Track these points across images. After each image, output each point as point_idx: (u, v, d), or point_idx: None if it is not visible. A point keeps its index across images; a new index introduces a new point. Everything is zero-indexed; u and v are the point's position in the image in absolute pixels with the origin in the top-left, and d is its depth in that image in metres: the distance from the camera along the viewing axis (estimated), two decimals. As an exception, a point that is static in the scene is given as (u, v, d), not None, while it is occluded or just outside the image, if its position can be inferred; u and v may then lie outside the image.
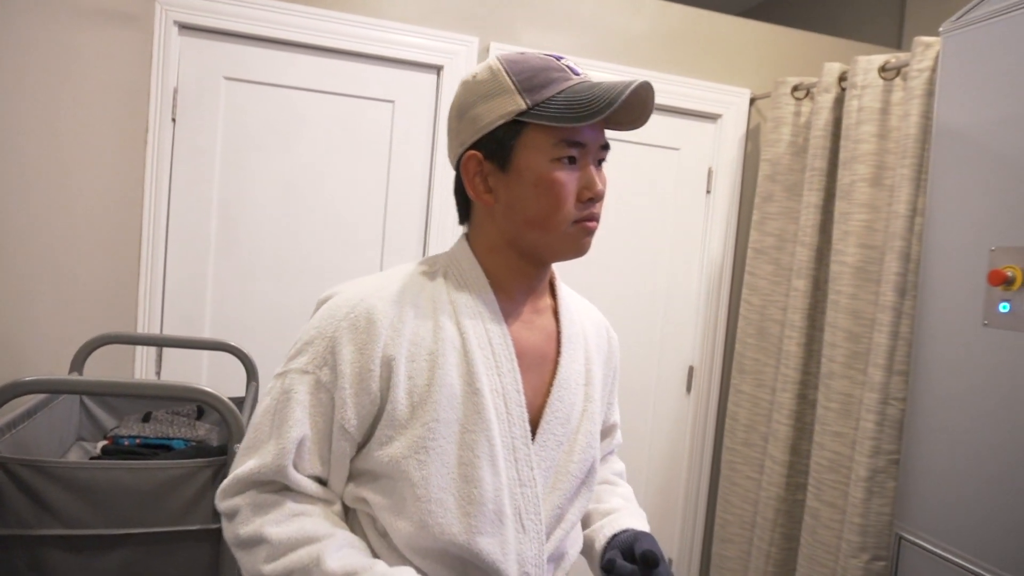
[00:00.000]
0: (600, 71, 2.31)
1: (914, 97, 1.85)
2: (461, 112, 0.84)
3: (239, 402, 1.48)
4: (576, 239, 0.83)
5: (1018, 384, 1.49)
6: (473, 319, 0.83)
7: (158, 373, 2.03)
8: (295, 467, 0.78)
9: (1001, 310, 1.52)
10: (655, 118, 2.43)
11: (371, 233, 2.19)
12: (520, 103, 0.79)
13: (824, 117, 2.15)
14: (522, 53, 0.84)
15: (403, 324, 0.80)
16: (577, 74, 0.82)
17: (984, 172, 1.59)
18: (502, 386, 0.82)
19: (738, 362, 2.42)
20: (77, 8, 1.35)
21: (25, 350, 1.20)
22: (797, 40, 2.56)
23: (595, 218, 0.84)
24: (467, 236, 0.90)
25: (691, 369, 2.57)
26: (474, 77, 0.84)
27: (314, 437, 0.79)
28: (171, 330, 2.01)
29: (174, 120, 1.98)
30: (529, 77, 0.80)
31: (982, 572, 1.53)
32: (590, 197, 0.82)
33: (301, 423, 0.78)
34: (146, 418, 1.36)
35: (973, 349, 1.59)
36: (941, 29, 1.73)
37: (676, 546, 2.60)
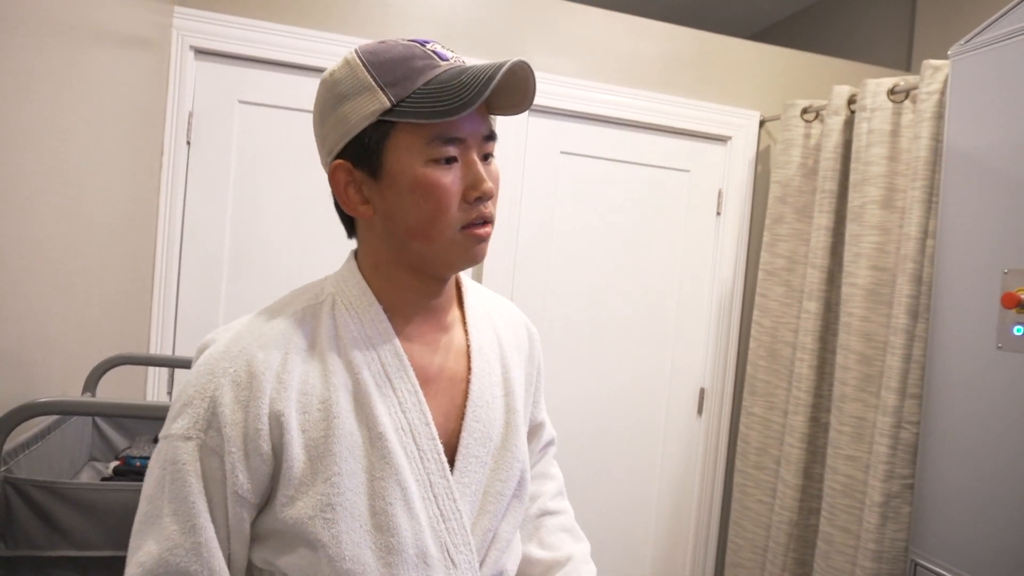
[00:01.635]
0: (609, 95, 2.33)
1: (924, 119, 1.86)
2: (323, 116, 0.76)
3: (249, 423, 1.49)
4: (466, 247, 0.75)
5: (1034, 408, 1.47)
6: (366, 352, 0.75)
7: (170, 394, 2.04)
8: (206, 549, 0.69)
9: (1015, 333, 1.51)
10: (666, 140, 2.44)
11: (382, 254, 2.20)
12: (383, 101, 0.70)
13: (834, 139, 2.16)
14: (382, 42, 0.74)
15: (288, 373, 0.72)
16: (445, 59, 0.73)
17: (995, 194, 1.59)
18: (408, 423, 0.75)
19: (750, 384, 2.40)
20: (94, 32, 1.38)
21: (38, 370, 1.21)
22: (806, 63, 2.57)
23: (487, 220, 0.75)
24: (355, 253, 0.83)
25: (702, 391, 2.55)
26: (331, 75, 0.75)
27: (213, 507, 0.70)
28: (183, 351, 2.02)
29: (189, 143, 2.01)
30: (390, 69, 0.71)
31: (1000, 601, 1.50)
32: (477, 196, 0.73)
33: (199, 495, 0.69)
34: (157, 440, 1.37)
35: (987, 372, 1.57)
36: (950, 52, 1.74)
37: (688, 571, 2.57)
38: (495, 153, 0.78)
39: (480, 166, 0.74)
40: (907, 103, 1.99)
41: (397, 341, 0.77)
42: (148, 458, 1.25)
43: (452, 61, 0.74)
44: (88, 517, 1.00)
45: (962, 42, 1.71)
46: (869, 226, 1.99)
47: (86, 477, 1.33)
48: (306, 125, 2.11)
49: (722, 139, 2.51)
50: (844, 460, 2.00)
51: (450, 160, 0.72)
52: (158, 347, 1.98)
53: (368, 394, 0.74)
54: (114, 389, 1.63)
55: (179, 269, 2.02)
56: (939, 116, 1.83)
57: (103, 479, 1.25)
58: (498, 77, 0.68)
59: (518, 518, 0.85)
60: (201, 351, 0.77)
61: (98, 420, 1.44)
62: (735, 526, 2.41)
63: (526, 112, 2.26)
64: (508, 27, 2.26)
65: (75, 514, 0.99)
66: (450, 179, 0.72)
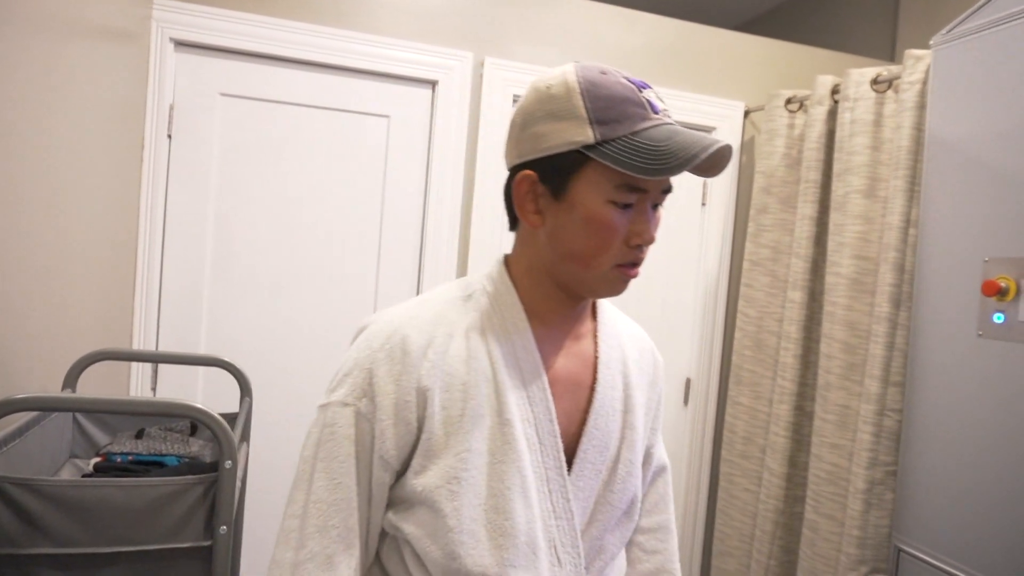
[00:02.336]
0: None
1: (906, 109, 1.86)
2: (525, 123, 0.79)
3: (232, 418, 1.48)
4: (613, 282, 0.80)
5: (1013, 394, 1.48)
6: (504, 345, 0.81)
7: (154, 389, 2.03)
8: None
9: (995, 320, 1.52)
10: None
11: (367, 248, 2.20)
12: (588, 135, 0.74)
13: (818, 129, 2.17)
14: (604, 73, 0.77)
15: (437, 354, 0.79)
16: (656, 112, 0.76)
17: (977, 183, 1.60)
18: (533, 415, 0.80)
19: (735, 374, 2.42)
20: (71, 24, 1.36)
21: (17, 366, 1.19)
22: (790, 53, 2.58)
23: (638, 263, 0.80)
24: (507, 256, 0.89)
25: (688, 381, 2.56)
26: (548, 88, 0.78)
27: (359, 468, 0.78)
28: (167, 346, 2.01)
29: (170, 136, 1.99)
30: (605, 107, 0.74)
31: (981, 585, 1.52)
32: (639, 243, 0.78)
33: (349, 456, 0.78)
34: (139, 434, 1.36)
35: (968, 360, 1.59)
36: (932, 42, 1.75)
37: (675, 560, 2.59)
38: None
39: (650, 215, 0.79)
40: (890, 93, 2.00)
41: (532, 340, 0.83)
42: (129, 454, 1.24)
43: (661, 115, 0.77)
44: (69, 514, 0.99)
45: (944, 32, 1.71)
46: (852, 216, 2.00)
47: (67, 474, 1.32)
48: (289, 117, 2.10)
49: (707, 129, 2.51)
50: (828, 448, 2.01)
51: (627, 205, 0.77)
52: (141, 342, 1.97)
53: (502, 383, 0.80)
54: (95, 385, 1.62)
55: (161, 263, 2.01)
56: (921, 106, 1.84)
57: (84, 476, 1.24)
58: (702, 157, 0.71)
59: (625, 536, 0.89)
60: (360, 331, 0.84)
61: (79, 416, 1.42)
62: (722, 515, 2.43)
63: (511, 104, 2.25)
64: (493, 19, 2.25)
65: (55, 511, 0.98)
66: (622, 221, 0.77)
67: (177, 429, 1.42)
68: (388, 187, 2.20)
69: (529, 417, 0.80)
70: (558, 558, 0.79)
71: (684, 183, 2.50)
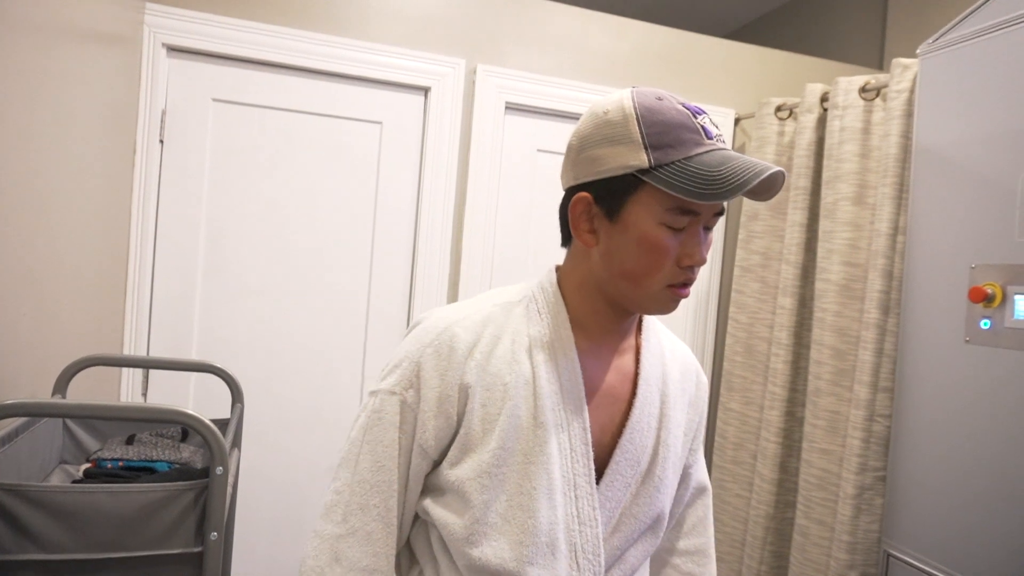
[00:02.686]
0: (586, 92, 2.34)
1: (894, 117, 1.88)
2: (582, 146, 0.82)
3: (224, 424, 1.47)
4: (665, 301, 0.82)
5: (1000, 400, 1.50)
6: (547, 354, 0.84)
7: (144, 394, 2.02)
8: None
9: (982, 327, 1.54)
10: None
11: (359, 254, 2.20)
12: (643, 160, 0.76)
13: (807, 137, 2.18)
14: (660, 99, 0.79)
15: (482, 354, 0.83)
16: (710, 137, 0.78)
17: (963, 191, 1.62)
18: (567, 422, 0.83)
19: (726, 380, 2.43)
20: (63, 28, 1.36)
21: (6, 371, 1.19)
22: (780, 61, 2.60)
23: (689, 283, 0.82)
24: (558, 268, 0.91)
25: (680, 387, 2.57)
26: (605, 113, 0.80)
27: (400, 454, 0.84)
28: (158, 351, 2.00)
29: (162, 141, 1.99)
30: (660, 132, 0.76)
31: (969, 589, 1.53)
32: (690, 264, 0.80)
33: (393, 442, 0.83)
34: (130, 440, 1.35)
35: (955, 366, 1.60)
36: (919, 51, 1.77)
37: (667, 565, 2.59)
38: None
39: (701, 237, 0.81)
40: (878, 101, 2.02)
41: (575, 350, 0.86)
42: (120, 460, 1.24)
43: (715, 140, 0.79)
44: (58, 520, 0.99)
45: (930, 41, 1.73)
46: (842, 222, 2.02)
47: (56, 480, 1.31)
48: (282, 123, 2.10)
49: (698, 137, 2.52)
50: (819, 454, 2.02)
51: (680, 228, 0.79)
52: (131, 348, 1.96)
53: (541, 388, 0.83)
54: (86, 390, 1.61)
55: (153, 269, 2.00)
56: (909, 114, 1.86)
57: (74, 481, 1.23)
58: (755, 183, 0.73)
59: (648, 550, 0.91)
60: (415, 326, 0.88)
61: (69, 422, 1.42)
62: (714, 520, 2.43)
63: (503, 111, 2.26)
64: (484, 25, 2.26)
65: (45, 517, 0.98)
66: (674, 243, 0.79)
67: (168, 435, 1.42)
68: (380, 194, 2.20)
69: (563, 424, 0.83)
70: (577, 563, 0.82)
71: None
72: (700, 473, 1.04)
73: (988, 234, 1.55)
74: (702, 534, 1.04)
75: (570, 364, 0.85)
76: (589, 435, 0.84)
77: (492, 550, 0.79)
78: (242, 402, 1.57)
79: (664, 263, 0.79)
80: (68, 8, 1.39)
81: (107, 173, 1.76)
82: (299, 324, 2.15)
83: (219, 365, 1.62)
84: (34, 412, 1.05)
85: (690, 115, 0.78)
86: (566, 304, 0.88)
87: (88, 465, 1.25)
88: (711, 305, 2.56)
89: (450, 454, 0.83)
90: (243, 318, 2.09)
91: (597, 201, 0.81)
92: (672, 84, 2.47)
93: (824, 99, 2.18)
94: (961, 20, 1.65)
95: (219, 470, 1.05)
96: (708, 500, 1.06)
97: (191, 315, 2.04)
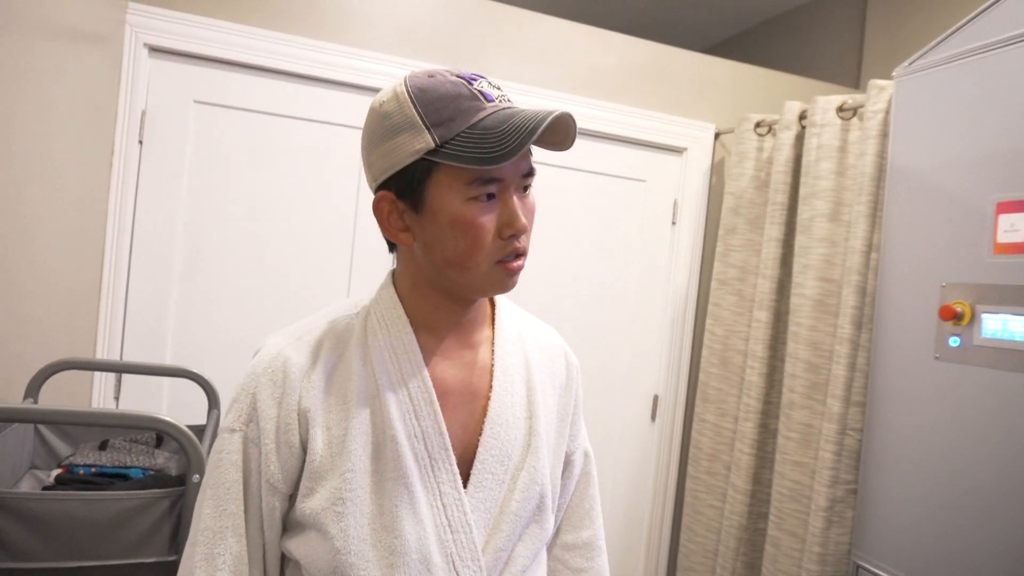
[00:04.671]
0: (568, 104, 2.36)
1: (870, 137, 1.92)
2: (371, 144, 0.79)
3: (200, 430, 1.46)
4: (499, 279, 0.79)
5: (967, 416, 1.53)
6: (390, 363, 0.80)
7: (117, 399, 1.99)
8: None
9: (951, 344, 1.58)
10: (623, 150, 2.48)
11: (339, 259, 2.19)
12: (428, 140, 0.73)
13: (785, 153, 2.22)
14: (431, 76, 0.76)
15: (317, 374, 0.79)
16: (491, 100, 0.75)
17: (934, 211, 1.66)
18: (421, 429, 0.79)
19: (702, 391, 2.45)
20: (42, 25, 1.34)
21: (-22, 376, 1.17)
22: (760, 77, 2.64)
23: (520, 254, 0.79)
24: (393, 273, 0.88)
25: (656, 398, 2.59)
26: (381, 105, 0.77)
27: (248, 495, 0.78)
28: (132, 356, 1.97)
29: (141, 142, 1.97)
30: (437, 109, 0.74)
31: (936, 601, 1.56)
32: (511, 234, 0.77)
33: (235, 483, 0.77)
34: (103, 446, 1.33)
35: (925, 382, 1.63)
36: (894, 73, 1.81)
37: (641, 574, 2.60)
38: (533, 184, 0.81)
39: (516, 203, 0.77)
40: (854, 120, 2.06)
41: (419, 352, 0.82)
42: (92, 466, 1.22)
43: (497, 101, 0.76)
44: (29, 527, 0.97)
45: (906, 64, 1.78)
46: (817, 238, 2.06)
47: (27, 486, 1.29)
48: (263, 126, 2.09)
49: (678, 150, 2.56)
50: (792, 466, 2.05)
51: (490, 196, 0.76)
52: (105, 352, 1.93)
53: (386, 399, 0.79)
54: (58, 395, 1.59)
55: (128, 271, 1.97)
56: (884, 134, 1.90)
57: (45, 488, 1.21)
58: (539, 131, 0.70)
59: (537, 543, 0.86)
60: (255, 354, 0.84)
61: (40, 427, 1.39)
62: (687, 531, 2.46)
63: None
64: (469, 35, 2.27)
65: (15, 524, 0.96)
66: (487, 216, 0.76)
67: (142, 441, 1.40)
68: (361, 199, 2.20)
69: (417, 432, 0.79)
70: (456, 572, 0.77)
71: (655, 202, 2.54)
72: (582, 460, 1.01)
73: (958, 254, 1.59)
74: (589, 526, 1.01)
75: (416, 369, 0.80)
76: (447, 439, 0.80)
77: None
78: (219, 408, 1.55)
79: (483, 240, 0.76)
80: (48, 6, 1.37)
81: (84, 173, 1.73)
82: (277, 328, 2.13)
83: (195, 370, 1.61)
84: (5, 417, 1.04)
85: (465, 83, 0.75)
86: (405, 308, 0.83)
87: (60, 471, 1.23)
88: (688, 317, 2.59)
89: (302, 486, 0.78)
90: (220, 322, 2.07)
91: (400, 196, 0.78)
92: (654, 97, 2.50)
93: (802, 117, 2.22)
94: (936, 45, 1.70)
95: (196, 478, 1.04)
96: (593, 490, 1.03)
97: (167, 318, 2.02)
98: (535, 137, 0.70)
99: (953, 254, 1.60)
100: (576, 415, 0.99)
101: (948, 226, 1.62)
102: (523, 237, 0.78)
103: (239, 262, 2.08)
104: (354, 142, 2.18)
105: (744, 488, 2.23)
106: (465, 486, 0.81)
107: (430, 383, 0.81)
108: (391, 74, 2.17)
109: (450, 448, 0.80)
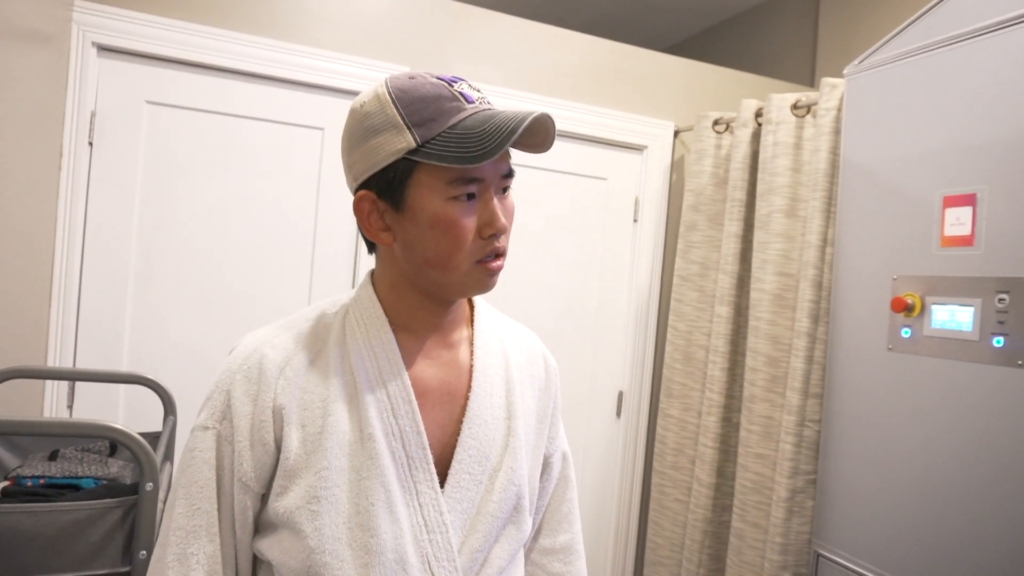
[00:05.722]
0: (530, 103, 2.36)
1: (823, 134, 1.96)
2: (351, 145, 0.80)
3: (155, 437, 1.43)
4: (478, 279, 0.80)
5: (919, 404, 1.57)
6: (368, 361, 0.80)
7: (70, 408, 1.93)
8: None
9: (903, 335, 1.62)
10: (584, 148, 2.49)
11: (299, 263, 2.16)
12: (410, 140, 0.74)
13: (743, 150, 2.25)
14: (412, 78, 0.78)
15: (293, 371, 0.79)
16: (471, 101, 0.77)
17: (885, 205, 1.70)
18: (399, 428, 0.79)
19: (666, 387, 2.48)
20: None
21: (-82, 387, 1.13)
22: (718, 76, 2.68)
23: (499, 254, 0.80)
24: (372, 273, 0.88)
25: (621, 394, 2.61)
26: (362, 107, 0.78)
27: (221, 494, 0.77)
28: (86, 363, 1.92)
29: (91, 144, 1.92)
30: (418, 109, 0.75)
31: (892, 587, 1.60)
32: (492, 233, 0.78)
33: (209, 481, 0.77)
34: (53, 456, 1.30)
35: (879, 372, 1.67)
36: (845, 72, 1.85)
37: (608, 570, 2.62)
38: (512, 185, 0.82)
39: (496, 204, 0.78)
40: (808, 117, 2.10)
41: (397, 351, 0.82)
42: (41, 477, 1.18)
43: (477, 103, 0.77)
44: (-27, 542, 0.94)
45: (856, 62, 1.82)
46: (775, 234, 2.09)
47: (-28, 499, 1.25)
48: (219, 127, 2.05)
49: (638, 148, 2.58)
50: (754, 458, 2.08)
51: (470, 196, 0.77)
52: (57, 359, 1.88)
53: (364, 397, 0.78)
54: (7, 404, 1.54)
55: (80, 276, 1.92)
56: (837, 131, 1.94)
57: (-9, 501, 1.17)
58: (520, 130, 0.71)
59: (514, 545, 0.86)
60: (231, 351, 0.83)
61: (-13, 438, 1.35)
62: (653, 525, 2.48)
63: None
64: (430, 35, 2.26)
65: (-42, 540, 0.93)
66: (468, 216, 0.77)
67: (95, 450, 1.36)
68: (322, 201, 2.17)
69: (395, 431, 0.79)
70: (432, 573, 0.77)
71: (616, 200, 2.56)
72: (560, 462, 1.02)
73: (909, 247, 1.63)
74: (567, 530, 1.02)
75: (394, 367, 0.81)
76: (425, 438, 0.80)
77: None
78: (175, 414, 1.52)
79: (464, 239, 0.77)
80: (-11, 4, 1.33)
81: (32, 176, 1.68)
82: (235, 333, 2.09)
83: (151, 376, 1.57)
84: (-53, 429, 1.00)
85: (446, 85, 0.77)
86: (384, 308, 0.83)
87: (6, 483, 1.19)
88: (651, 313, 2.62)
89: (275, 484, 0.77)
90: (176, 328, 2.03)
91: (380, 196, 0.78)
92: (615, 96, 2.51)
93: (759, 114, 2.25)
94: (885, 43, 1.74)
95: (149, 486, 1.02)
96: (573, 495, 1.04)
97: (121, 325, 1.97)
98: (516, 136, 0.72)
99: (904, 247, 1.64)
100: (555, 417, 0.99)
101: (899, 220, 1.66)
102: (503, 237, 0.79)
103: (196, 266, 2.04)
104: (314, 143, 2.16)
105: (708, 481, 2.25)
106: (443, 486, 0.80)
107: (408, 382, 0.81)
108: (349, 73, 2.14)
109: (428, 447, 0.80)
